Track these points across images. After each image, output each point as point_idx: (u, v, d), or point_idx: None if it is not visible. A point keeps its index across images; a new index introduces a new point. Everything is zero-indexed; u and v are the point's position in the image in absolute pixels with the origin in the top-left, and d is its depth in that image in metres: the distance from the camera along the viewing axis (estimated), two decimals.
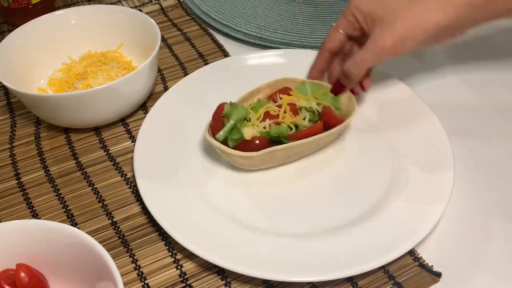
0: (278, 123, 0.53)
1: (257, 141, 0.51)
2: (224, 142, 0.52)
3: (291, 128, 0.52)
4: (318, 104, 0.54)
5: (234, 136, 0.51)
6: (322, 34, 0.71)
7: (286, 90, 0.56)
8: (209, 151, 0.56)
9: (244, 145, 0.51)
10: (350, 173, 0.54)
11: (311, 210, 0.50)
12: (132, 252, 0.48)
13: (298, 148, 0.52)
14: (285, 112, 0.53)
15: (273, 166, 0.54)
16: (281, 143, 0.52)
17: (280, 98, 0.55)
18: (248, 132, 0.51)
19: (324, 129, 0.53)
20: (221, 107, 0.53)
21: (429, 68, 0.68)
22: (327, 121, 0.53)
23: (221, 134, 0.52)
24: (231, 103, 0.53)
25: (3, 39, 0.61)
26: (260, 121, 0.52)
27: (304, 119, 0.53)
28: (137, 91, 0.59)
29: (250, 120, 0.53)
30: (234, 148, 0.51)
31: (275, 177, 0.54)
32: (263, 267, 0.44)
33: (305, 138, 0.51)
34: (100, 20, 0.67)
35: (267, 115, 0.53)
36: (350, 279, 0.45)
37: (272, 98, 0.56)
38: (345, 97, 0.56)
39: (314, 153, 0.56)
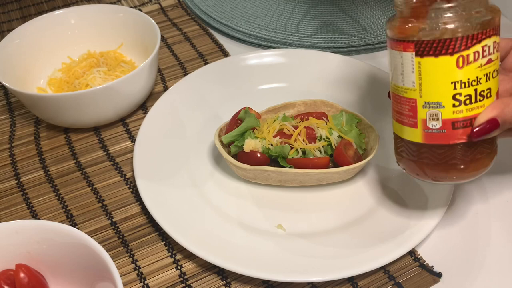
0: (289, 144, 0.50)
1: (258, 155, 0.50)
2: (230, 145, 0.52)
3: (298, 153, 0.50)
4: (339, 137, 0.51)
5: (239, 143, 0.51)
6: (322, 34, 0.71)
7: (321, 115, 0.53)
8: (209, 151, 0.56)
9: (245, 155, 0.50)
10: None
11: (311, 210, 0.50)
12: (132, 253, 0.48)
13: (294, 176, 0.49)
14: (299, 135, 0.50)
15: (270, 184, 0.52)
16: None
17: (307, 120, 0.52)
18: (249, 144, 0.50)
19: (333, 166, 0.50)
20: (240, 110, 0.52)
21: None
22: (336, 158, 0.50)
23: (226, 136, 0.51)
24: (246, 110, 0.52)
25: (2, 39, 0.61)
26: (274, 136, 0.50)
27: (318, 149, 0.50)
28: (137, 91, 0.59)
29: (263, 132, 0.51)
30: (236, 155, 0.51)
31: None
32: (263, 267, 0.44)
33: (304, 168, 0.49)
34: (100, 20, 0.67)
35: (281, 132, 0.51)
36: (351, 279, 0.45)
37: (302, 117, 0.54)
38: (372, 138, 0.52)
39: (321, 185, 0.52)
